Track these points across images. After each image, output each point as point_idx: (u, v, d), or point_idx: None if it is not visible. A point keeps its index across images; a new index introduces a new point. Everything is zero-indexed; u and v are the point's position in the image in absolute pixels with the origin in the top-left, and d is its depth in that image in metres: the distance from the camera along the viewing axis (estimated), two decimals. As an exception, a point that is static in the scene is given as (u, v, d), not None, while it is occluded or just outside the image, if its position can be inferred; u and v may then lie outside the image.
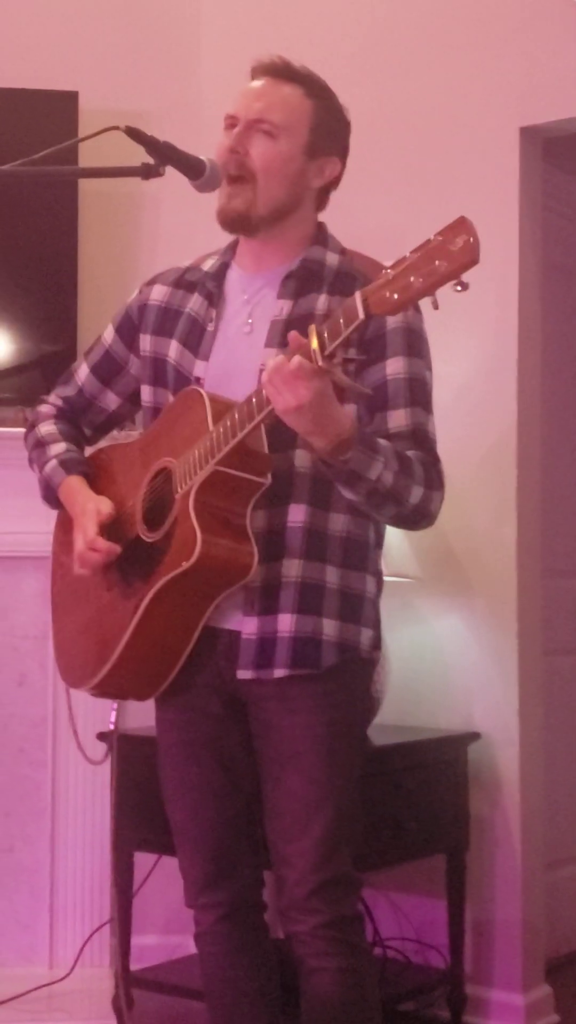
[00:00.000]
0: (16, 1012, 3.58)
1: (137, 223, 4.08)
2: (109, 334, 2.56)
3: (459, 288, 1.91)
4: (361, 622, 2.35)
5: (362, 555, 2.34)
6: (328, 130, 2.37)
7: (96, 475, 2.52)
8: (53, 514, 3.85)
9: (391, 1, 3.82)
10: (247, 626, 2.29)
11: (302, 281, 2.35)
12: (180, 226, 3.98)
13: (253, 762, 2.38)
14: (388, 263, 1.98)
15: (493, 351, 3.55)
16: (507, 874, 3.53)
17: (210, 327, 2.39)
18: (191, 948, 3.74)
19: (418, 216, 3.58)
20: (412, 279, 1.92)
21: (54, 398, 2.62)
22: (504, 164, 3.59)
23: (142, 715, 3.39)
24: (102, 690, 2.42)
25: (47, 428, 2.56)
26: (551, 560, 3.96)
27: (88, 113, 3.86)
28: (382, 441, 2.21)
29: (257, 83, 2.36)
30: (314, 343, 2.02)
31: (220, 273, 2.43)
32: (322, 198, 2.43)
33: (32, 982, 3.71)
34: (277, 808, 2.32)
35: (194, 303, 2.43)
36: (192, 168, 2.22)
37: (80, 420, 2.60)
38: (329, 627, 2.29)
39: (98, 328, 3.98)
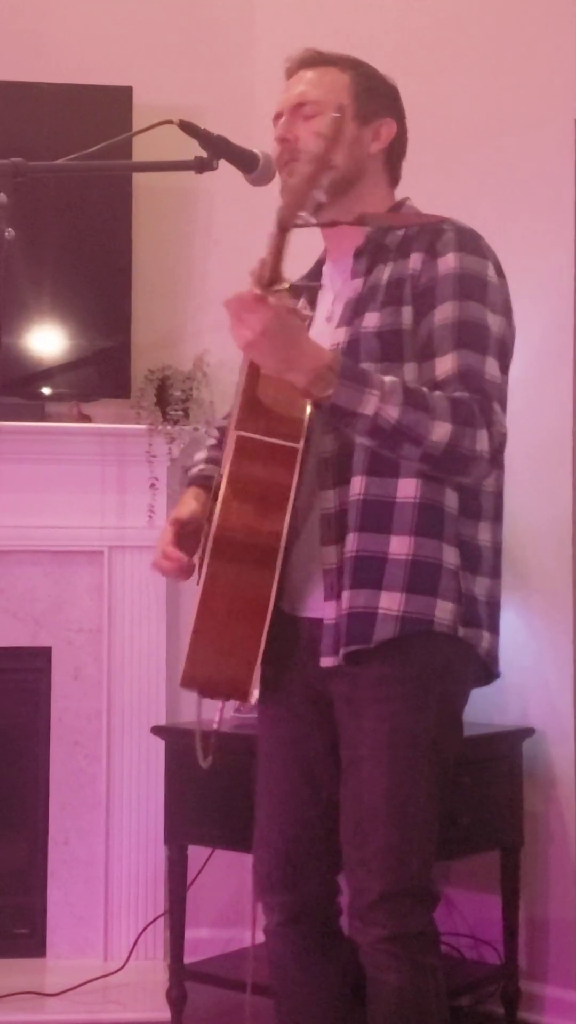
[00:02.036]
0: (71, 1004, 3.61)
1: (191, 218, 4.09)
2: (237, 359, 2.58)
3: (335, 114, 1.99)
4: (438, 594, 2.18)
5: (437, 522, 2.19)
6: (373, 93, 2.36)
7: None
8: (106, 509, 3.92)
9: (445, -7, 3.81)
10: (328, 611, 2.23)
11: (372, 256, 2.31)
12: (234, 220, 3.98)
13: (337, 768, 2.29)
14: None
15: (549, 342, 3.52)
16: (562, 870, 3.51)
17: (307, 324, 2.39)
18: (245, 941, 3.76)
19: (473, 210, 3.52)
20: (288, 180, 2.00)
21: (213, 431, 2.65)
22: (559, 156, 3.56)
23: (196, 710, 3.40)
24: (194, 684, 2.30)
25: (199, 455, 2.58)
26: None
27: (142, 108, 3.87)
28: (383, 376, 2.12)
29: (295, 75, 2.38)
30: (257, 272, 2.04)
31: (315, 272, 2.44)
32: (391, 167, 2.39)
33: (87, 974, 3.74)
34: (344, 813, 2.25)
35: (299, 307, 2.44)
36: (245, 162, 2.22)
37: None
38: (389, 600, 2.18)
39: (152, 323, 4.03)
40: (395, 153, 2.39)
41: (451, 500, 2.22)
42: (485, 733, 3.46)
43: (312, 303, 2.41)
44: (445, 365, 2.17)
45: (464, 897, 3.64)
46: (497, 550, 2.33)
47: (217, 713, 2.35)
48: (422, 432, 2.09)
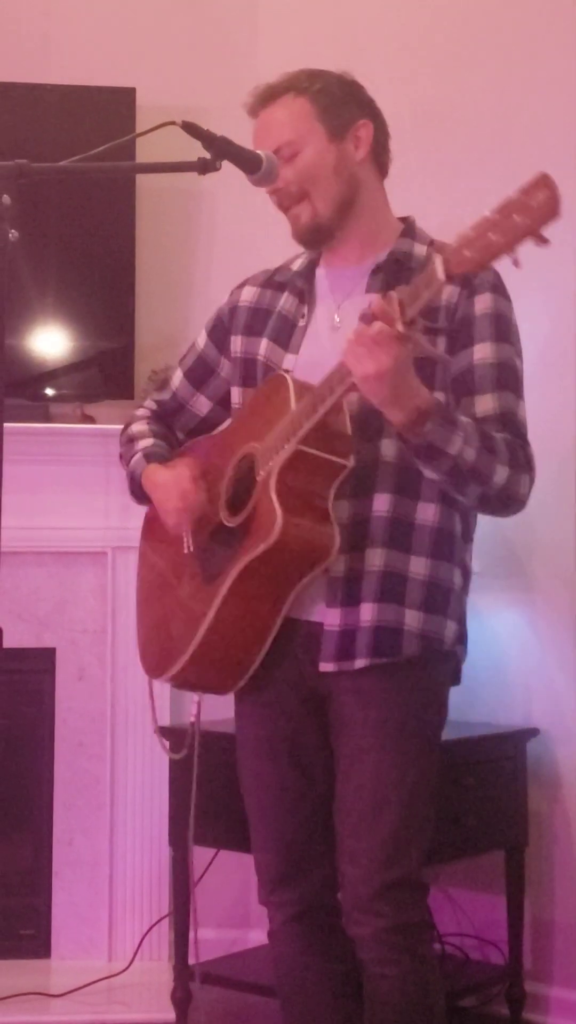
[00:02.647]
0: (76, 1004, 3.61)
1: (194, 219, 4.09)
2: (202, 339, 2.58)
3: (541, 244, 1.90)
4: (447, 614, 2.30)
5: (450, 546, 2.30)
6: (336, 105, 2.37)
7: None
8: (110, 510, 3.91)
9: (448, -6, 3.81)
10: (330, 617, 2.27)
11: (391, 274, 2.34)
12: (237, 221, 3.98)
13: (330, 762, 2.34)
14: None
15: (553, 347, 3.52)
16: (566, 870, 3.51)
17: (301, 323, 2.40)
18: (249, 942, 3.76)
19: (478, 212, 3.55)
20: (491, 236, 1.92)
21: (149, 402, 2.65)
22: (564, 158, 3.55)
23: (203, 709, 3.40)
24: (183, 680, 2.38)
25: (138, 427, 2.58)
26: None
27: (145, 109, 3.87)
28: (463, 417, 2.18)
29: (258, 119, 2.40)
30: (395, 308, 2.02)
31: (309, 271, 2.45)
32: (378, 166, 2.41)
33: (91, 975, 3.74)
34: (346, 804, 2.28)
35: (284, 301, 2.44)
36: (249, 163, 2.22)
37: (173, 424, 2.61)
38: (412, 617, 2.26)
39: (156, 325, 4.03)
40: (379, 146, 2.41)
41: (459, 525, 2.32)
42: (490, 734, 3.46)
43: (310, 306, 2.42)
44: (487, 404, 2.25)
45: (468, 898, 3.64)
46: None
47: (194, 707, 2.38)
48: (488, 474, 2.18)
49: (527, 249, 3.55)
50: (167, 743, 2.45)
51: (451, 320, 2.27)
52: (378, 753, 2.25)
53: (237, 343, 2.48)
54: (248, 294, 2.50)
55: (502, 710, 3.58)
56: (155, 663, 2.46)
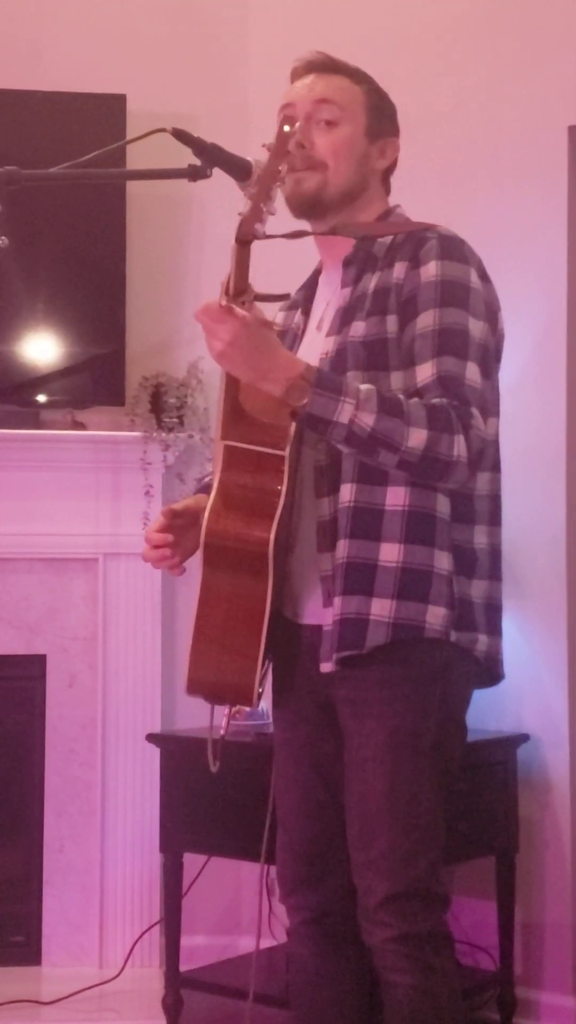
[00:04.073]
0: (67, 1012, 3.60)
1: (184, 225, 4.09)
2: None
3: (287, 126, 1.98)
4: (429, 600, 2.20)
5: (428, 529, 2.22)
6: (382, 111, 2.40)
7: None
8: (101, 516, 3.92)
9: (438, 1, 3.81)
10: (326, 618, 2.26)
11: (360, 265, 2.34)
12: (227, 228, 3.95)
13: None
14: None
15: (542, 349, 3.53)
16: (557, 876, 3.51)
17: (300, 332, 2.42)
18: (240, 948, 3.76)
19: (467, 215, 3.56)
20: (249, 191, 1.99)
21: None
22: (552, 163, 3.57)
23: (191, 717, 3.40)
24: (199, 691, 2.31)
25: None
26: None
27: (136, 116, 3.88)
28: (358, 385, 2.14)
29: (306, 77, 2.38)
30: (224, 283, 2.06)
31: (311, 282, 2.47)
32: (386, 181, 2.43)
33: (82, 982, 3.73)
34: (350, 816, 2.27)
35: (297, 318, 2.46)
36: (239, 170, 2.22)
37: None
38: (380, 606, 2.20)
39: (146, 331, 4.03)
40: (391, 168, 2.44)
41: (443, 506, 2.25)
42: (480, 739, 3.46)
43: (306, 312, 2.44)
44: (425, 372, 2.19)
45: (459, 903, 3.63)
46: (495, 553, 2.35)
47: (224, 719, 2.36)
48: (398, 439, 2.11)
49: (517, 253, 3.58)
50: (210, 755, 2.40)
51: (399, 297, 2.25)
52: (371, 764, 2.23)
53: None
54: (278, 319, 2.51)
55: (493, 716, 3.58)
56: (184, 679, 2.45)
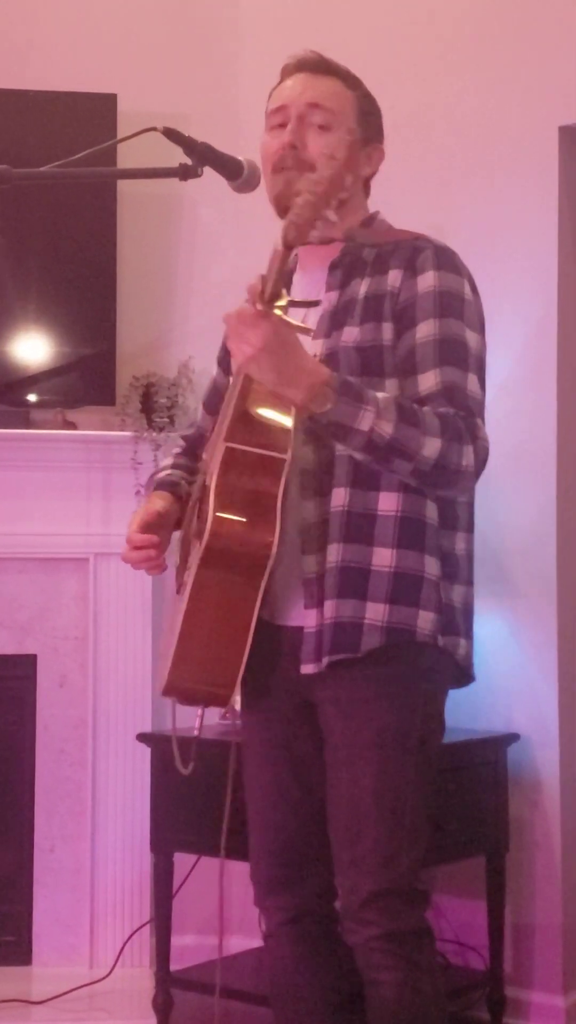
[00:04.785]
0: (57, 1012, 3.60)
1: (175, 225, 4.09)
2: (214, 369, 2.61)
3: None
4: (419, 604, 2.23)
5: (419, 534, 2.25)
6: (370, 118, 2.39)
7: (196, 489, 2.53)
8: (92, 516, 3.91)
9: (430, 2, 3.81)
10: (308, 620, 2.26)
11: (347, 269, 2.34)
12: (218, 227, 3.99)
13: (325, 769, 2.32)
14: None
15: (533, 349, 3.54)
16: (547, 876, 3.51)
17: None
18: (231, 948, 3.76)
19: (458, 216, 3.58)
20: (299, 200, 1.94)
21: (179, 440, 2.69)
22: (543, 163, 3.57)
23: (181, 717, 3.40)
24: (176, 692, 2.34)
25: (164, 462, 2.63)
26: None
27: (127, 115, 3.87)
28: (377, 393, 2.15)
29: (298, 76, 2.37)
30: (257, 287, 2.04)
31: (288, 281, 2.44)
32: (367, 187, 2.44)
33: (73, 982, 3.73)
34: (333, 815, 2.28)
35: None
36: (230, 169, 2.22)
37: (201, 454, 2.60)
38: (374, 611, 2.22)
39: (137, 330, 4.03)
40: (373, 175, 2.44)
41: (432, 512, 2.28)
42: (470, 739, 3.47)
43: (285, 313, 2.42)
44: (428, 381, 2.21)
45: (449, 903, 3.64)
46: (471, 558, 2.39)
47: (197, 720, 2.37)
48: (414, 448, 2.13)
49: (509, 253, 3.58)
50: (179, 756, 2.42)
51: (395, 304, 2.27)
52: (357, 763, 2.24)
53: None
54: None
55: (483, 715, 3.58)
56: (158, 679, 2.46)
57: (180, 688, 2.31)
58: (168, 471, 2.57)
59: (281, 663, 2.32)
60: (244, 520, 2.18)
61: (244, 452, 2.18)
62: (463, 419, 2.18)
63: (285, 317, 2.08)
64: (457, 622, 2.32)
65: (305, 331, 2.14)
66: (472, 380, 2.24)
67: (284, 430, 2.19)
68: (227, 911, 3.86)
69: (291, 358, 2.08)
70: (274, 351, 2.06)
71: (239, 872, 3.78)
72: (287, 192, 2.30)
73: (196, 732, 2.36)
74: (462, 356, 2.24)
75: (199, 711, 2.37)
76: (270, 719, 2.37)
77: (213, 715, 2.45)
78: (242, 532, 2.18)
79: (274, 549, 2.18)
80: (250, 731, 2.43)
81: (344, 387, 2.11)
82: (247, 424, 2.19)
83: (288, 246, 1.98)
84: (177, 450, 2.65)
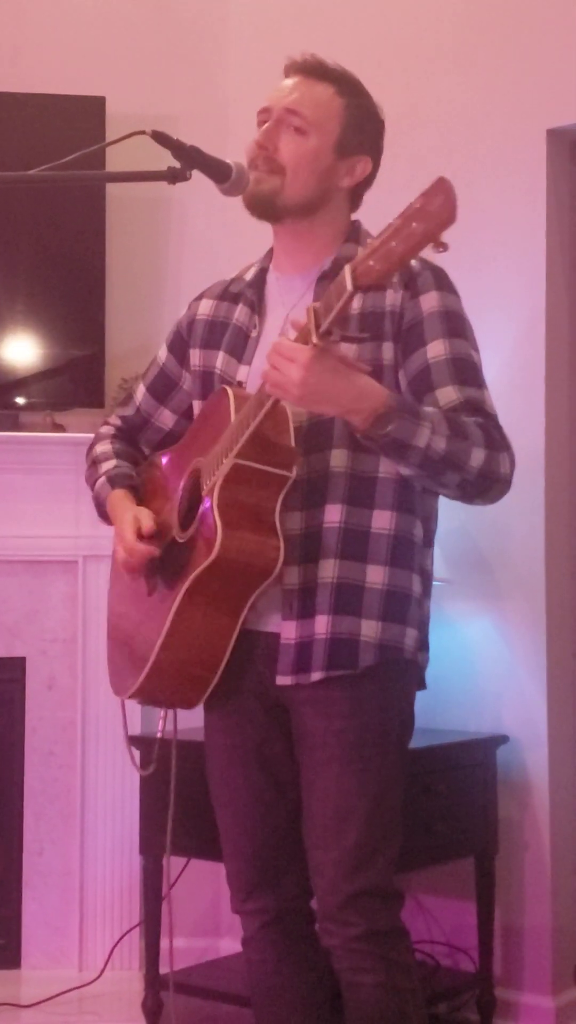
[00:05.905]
0: (46, 1015, 3.60)
1: (164, 227, 4.09)
2: (163, 353, 2.58)
3: (440, 250, 1.91)
4: (406, 622, 2.29)
5: (408, 553, 2.29)
6: (359, 129, 2.37)
7: (145, 484, 2.53)
8: (81, 518, 3.91)
9: (418, 5, 3.82)
10: (285, 630, 2.27)
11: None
12: (206, 230, 3.99)
13: (297, 771, 2.34)
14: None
15: (521, 353, 3.54)
16: (536, 877, 3.52)
17: (253, 333, 2.40)
18: (220, 951, 3.76)
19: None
20: (392, 244, 1.92)
21: (113, 418, 2.65)
22: (531, 166, 3.58)
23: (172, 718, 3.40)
24: (144, 696, 2.39)
25: (102, 448, 2.59)
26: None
27: (115, 118, 3.88)
28: (429, 408, 2.18)
29: (290, 80, 2.37)
30: (311, 321, 2.03)
31: (260, 279, 2.45)
32: (355, 197, 2.43)
33: (62, 985, 3.73)
34: (310, 815, 2.28)
35: (239, 313, 2.45)
36: (218, 172, 2.22)
37: (138, 439, 2.61)
38: (369, 628, 2.25)
39: (126, 333, 4.03)
40: (364, 185, 2.43)
41: (418, 531, 2.32)
42: (459, 740, 3.47)
43: (261, 316, 2.42)
44: (450, 395, 2.24)
45: (439, 904, 3.64)
46: (432, 573, 2.44)
47: (160, 721, 2.39)
48: (464, 459, 2.17)
49: (497, 256, 3.59)
50: (137, 759, 2.44)
51: (398, 325, 2.28)
52: (339, 764, 2.25)
53: (196, 356, 2.48)
54: (205, 307, 2.51)
55: (472, 717, 3.59)
56: (118, 681, 2.48)
57: (149, 694, 2.36)
58: (114, 462, 2.54)
59: (252, 667, 2.33)
60: (252, 536, 2.20)
61: (251, 468, 2.20)
62: (496, 428, 2.24)
63: (340, 351, 2.09)
64: (426, 636, 2.38)
65: (361, 370, 2.14)
66: (488, 395, 2.29)
67: (291, 449, 2.23)
68: (219, 913, 3.86)
69: (344, 388, 2.09)
70: (319, 381, 2.07)
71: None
72: (254, 191, 2.32)
73: (159, 733, 2.40)
74: (475, 375, 2.29)
75: (161, 713, 2.40)
76: (237, 722, 2.38)
77: (190, 714, 2.47)
78: (251, 548, 2.20)
79: (281, 553, 2.21)
80: (215, 734, 2.43)
81: (402, 406, 2.14)
82: (262, 445, 2.20)
83: (358, 288, 1.97)
84: (111, 430, 2.62)
